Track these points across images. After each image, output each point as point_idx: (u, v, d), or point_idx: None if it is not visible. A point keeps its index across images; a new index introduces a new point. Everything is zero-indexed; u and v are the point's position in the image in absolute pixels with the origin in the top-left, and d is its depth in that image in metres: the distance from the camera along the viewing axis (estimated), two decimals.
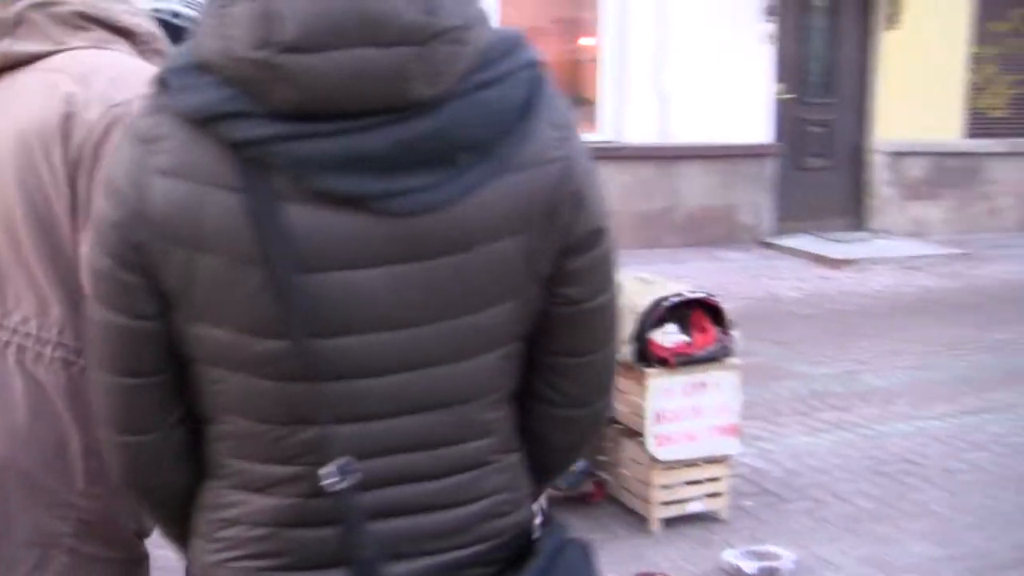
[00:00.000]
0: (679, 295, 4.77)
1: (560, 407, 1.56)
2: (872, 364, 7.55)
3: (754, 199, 11.90)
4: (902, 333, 8.40)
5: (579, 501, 4.97)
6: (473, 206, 1.34)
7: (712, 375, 4.77)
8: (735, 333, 4.84)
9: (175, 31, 2.33)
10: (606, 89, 11.51)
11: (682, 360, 4.68)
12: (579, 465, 4.86)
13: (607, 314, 1.53)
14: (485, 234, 1.36)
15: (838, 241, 11.72)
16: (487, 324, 1.41)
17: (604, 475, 5.05)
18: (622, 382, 4.85)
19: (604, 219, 1.46)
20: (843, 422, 6.32)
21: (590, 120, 11.62)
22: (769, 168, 11.92)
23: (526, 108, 1.36)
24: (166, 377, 1.44)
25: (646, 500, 4.80)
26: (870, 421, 6.34)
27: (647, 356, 4.68)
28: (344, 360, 1.37)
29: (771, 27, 11.58)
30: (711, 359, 4.76)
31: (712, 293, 4.89)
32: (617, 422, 4.96)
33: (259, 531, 1.44)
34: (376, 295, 1.35)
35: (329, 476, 1.37)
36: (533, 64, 1.39)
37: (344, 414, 1.39)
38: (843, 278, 10.44)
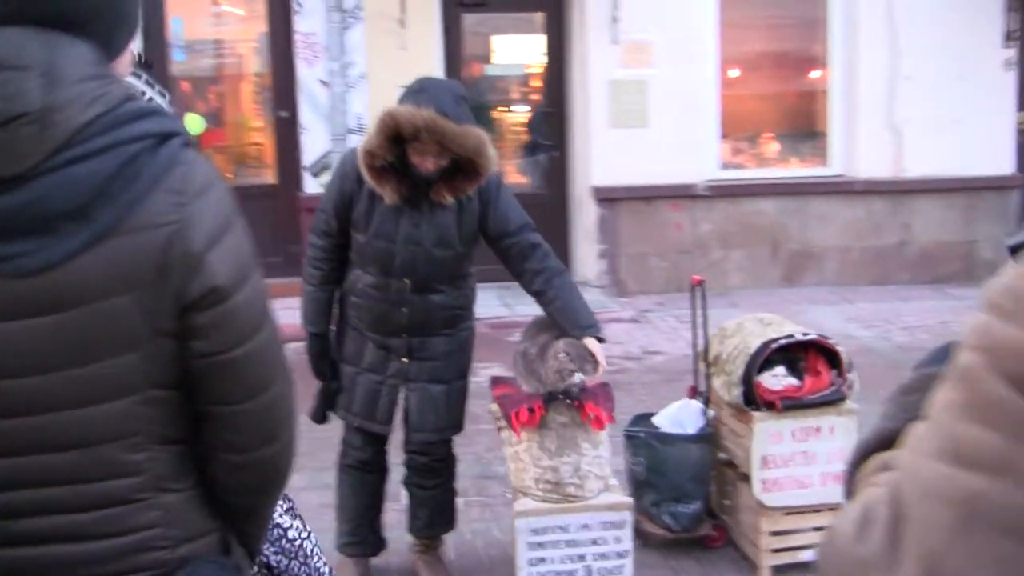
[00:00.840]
0: (790, 337, 4.65)
1: (223, 452, 1.69)
2: None
3: (996, 234, 11.30)
4: None
5: (697, 544, 4.92)
6: (78, 268, 1.50)
7: (826, 420, 4.62)
8: (852, 377, 4.68)
9: None
10: (836, 122, 11.24)
11: (789, 404, 4.56)
12: (693, 507, 4.83)
13: (250, 365, 1.64)
14: (93, 293, 1.51)
15: None
16: (110, 373, 1.56)
17: (726, 519, 4.98)
18: (736, 425, 4.78)
19: (225, 278, 1.57)
20: None
21: (821, 154, 11.38)
22: (1013, 201, 11.31)
23: (131, 177, 1.50)
24: None
25: (756, 546, 4.70)
26: None
27: (755, 399, 4.60)
28: None
29: (1011, 52, 11.01)
30: (823, 403, 4.61)
31: (827, 335, 4.74)
32: (734, 466, 4.88)
33: None
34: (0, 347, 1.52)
35: None
36: (151, 136, 1.53)
37: None
38: None
